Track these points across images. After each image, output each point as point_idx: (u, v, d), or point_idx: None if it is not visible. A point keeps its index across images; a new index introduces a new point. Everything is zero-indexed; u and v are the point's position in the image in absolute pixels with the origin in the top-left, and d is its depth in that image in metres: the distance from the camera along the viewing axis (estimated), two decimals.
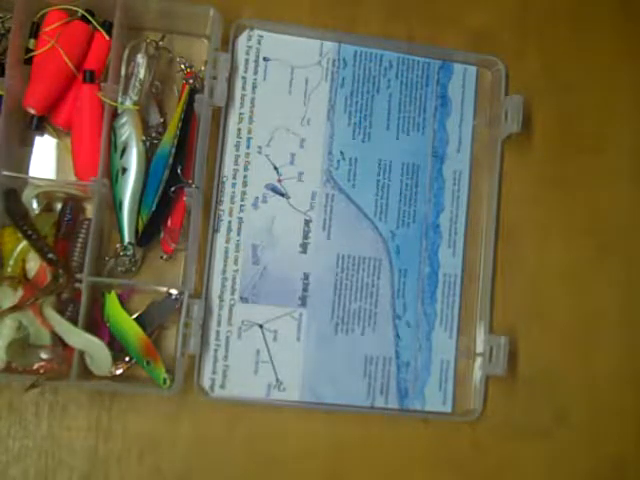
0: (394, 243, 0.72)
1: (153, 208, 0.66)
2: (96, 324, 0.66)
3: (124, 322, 0.66)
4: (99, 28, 0.67)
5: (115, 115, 0.67)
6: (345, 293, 0.71)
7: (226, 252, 0.70)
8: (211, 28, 0.68)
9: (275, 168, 0.71)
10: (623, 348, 0.75)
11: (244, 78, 0.72)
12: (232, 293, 0.69)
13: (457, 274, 0.73)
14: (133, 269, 0.68)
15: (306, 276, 0.71)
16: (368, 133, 0.73)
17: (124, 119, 0.66)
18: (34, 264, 0.64)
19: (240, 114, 0.71)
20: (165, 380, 0.65)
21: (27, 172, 0.68)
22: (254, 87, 0.72)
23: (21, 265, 0.64)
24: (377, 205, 0.72)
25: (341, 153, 0.72)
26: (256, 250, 0.70)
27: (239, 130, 0.71)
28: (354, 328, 0.71)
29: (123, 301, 0.67)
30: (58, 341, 0.63)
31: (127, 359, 0.66)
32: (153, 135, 0.68)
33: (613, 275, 0.76)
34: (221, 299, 0.69)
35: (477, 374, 0.72)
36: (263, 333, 0.69)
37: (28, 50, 0.66)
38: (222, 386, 0.68)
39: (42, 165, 0.69)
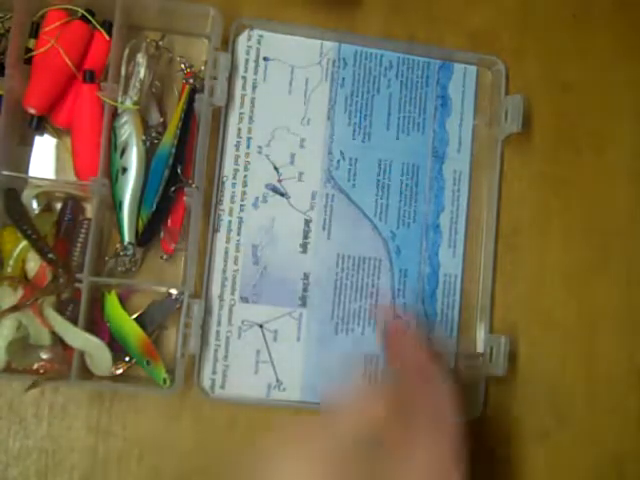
0: (394, 243, 0.72)
1: (153, 208, 0.66)
2: (96, 324, 0.66)
3: (124, 322, 0.66)
4: (99, 28, 0.67)
5: (115, 115, 0.67)
6: (345, 293, 0.71)
7: (226, 252, 0.70)
8: (211, 28, 0.69)
9: (275, 168, 0.71)
10: (623, 348, 0.75)
11: (244, 78, 0.72)
12: (232, 293, 0.69)
13: (457, 274, 0.73)
14: (133, 269, 0.68)
15: (306, 276, 0.71)
16: (368, 133, 0.73)
17: (124, 119, 0.66)
18: (34, 264, 0.64)
19: (240, 114, 0.71)
20: (165, 380, 0.65)
21: (27, 172, 0.68)
22: (254, 87, 0.72)
23: (21, 265, 0.64)
24: (377, 205, 0.72)
25: (341, 153, 0.72)
26: (256, 250, 0.70)
27: (239, 130, 0.71)
28: (354, 328, 0.71)
29: (123, 301, 0.67)
30: (58, 341, 0.63)
31: (127, 359, 0.66)
32: (153, 135, 0.68)
33: (613, 275, 0.76)
34: (221, 299, 0.69)
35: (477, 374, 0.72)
36: (263, 333, 0.69)
37: (28, 50, 0.66)
38: (222, 386, 0.68)
39: (42, 165, 0.68)
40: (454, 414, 0.56)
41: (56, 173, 0.69)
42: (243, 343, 0.69)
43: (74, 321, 0.63)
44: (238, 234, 0.70)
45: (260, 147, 0.71)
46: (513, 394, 0.73)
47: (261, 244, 0.70)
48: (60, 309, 0.64)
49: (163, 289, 0.68)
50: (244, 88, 0.72)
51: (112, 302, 0.66)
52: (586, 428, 0.73)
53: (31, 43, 0.66)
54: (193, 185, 0.66)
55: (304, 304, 0.70)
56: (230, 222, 0.70)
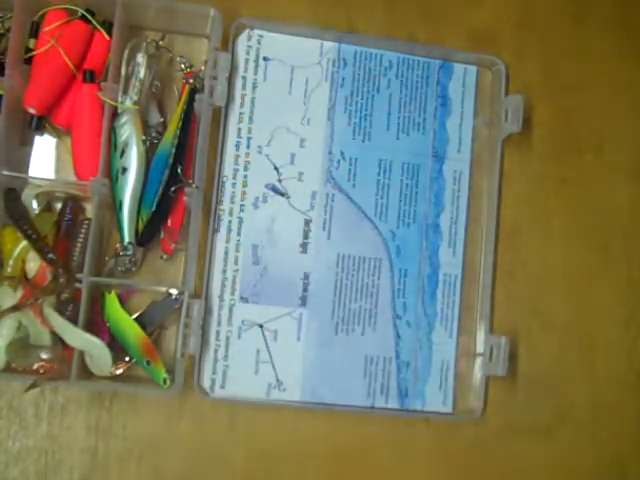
0: (394, 243, 0.72)
1: (153, 208, 0.66)
2: (96, 324, 0.66)
3: (124, 322, 0.66)
4: (99, 28, 0.67)
5: (115, 115, 0.67)
6: (345, 293, 0.71)
7: (226, 252, 0.70)
8: (211, 28, 0.69)
9: (275, 168, 0.71)
10: (623, 348, 0.75)
11: (244, 78, 0.72)
12: (232, 293, 0.69)
13: (457, 274, 0.73)
14: (133, 269, 0.68)
15: (306, 276, 0.71)
16: (368, 133, 0.73)
17: (124, 119, 0.66)
18: (34, 264, 0.64)
19: (240, 114, 0.71)
20: (165, 380, 0.65)
21: (27, 172, 0.68)
22: (254, 87, 0.72)
23: (21, 265, 0.64)
24: (377, 205, 0.72)
25: (341, 153, 0.72)
26: (256, 250, 0.70)
27: (239, 130, 0.71)
28: (354, 328, 0.71)
29: (123, 301, 0.67)
30: (58, 341, 0.63)
31: (127, 359, 0.66)
32: (153, 135, 0.68)
33: (613, 275, 0.76)
34: (221, 299, 0.69)
35: (477, 374, 0.72)
36: (263, 333, 0.69)
37: (28, 50, 0.66)
38: (222, 386, 0.68)
39: (42, 165, 0.68)
40: None
41: (56, 173, 0.69)
42: (243, 343, 0.69)
43: (74, 321, 0.63)
44: (238, 234, 0.70)
45: (260, 147, 0.71)
46: (514, 394, 0.73)
47: (261, 244, 0.70)
48: (60, 309, 0.64)
49: (163, 289, 0.67)
50: (244, 88, 0.72)
51: (112, 302, 0.66)
52: (586, 428, 0.73)
53: (31, 43, 0.66)
54: (193, 185, 0.66)
55: (304, 304, 0.70)
56: (230, 222, 0.70)
